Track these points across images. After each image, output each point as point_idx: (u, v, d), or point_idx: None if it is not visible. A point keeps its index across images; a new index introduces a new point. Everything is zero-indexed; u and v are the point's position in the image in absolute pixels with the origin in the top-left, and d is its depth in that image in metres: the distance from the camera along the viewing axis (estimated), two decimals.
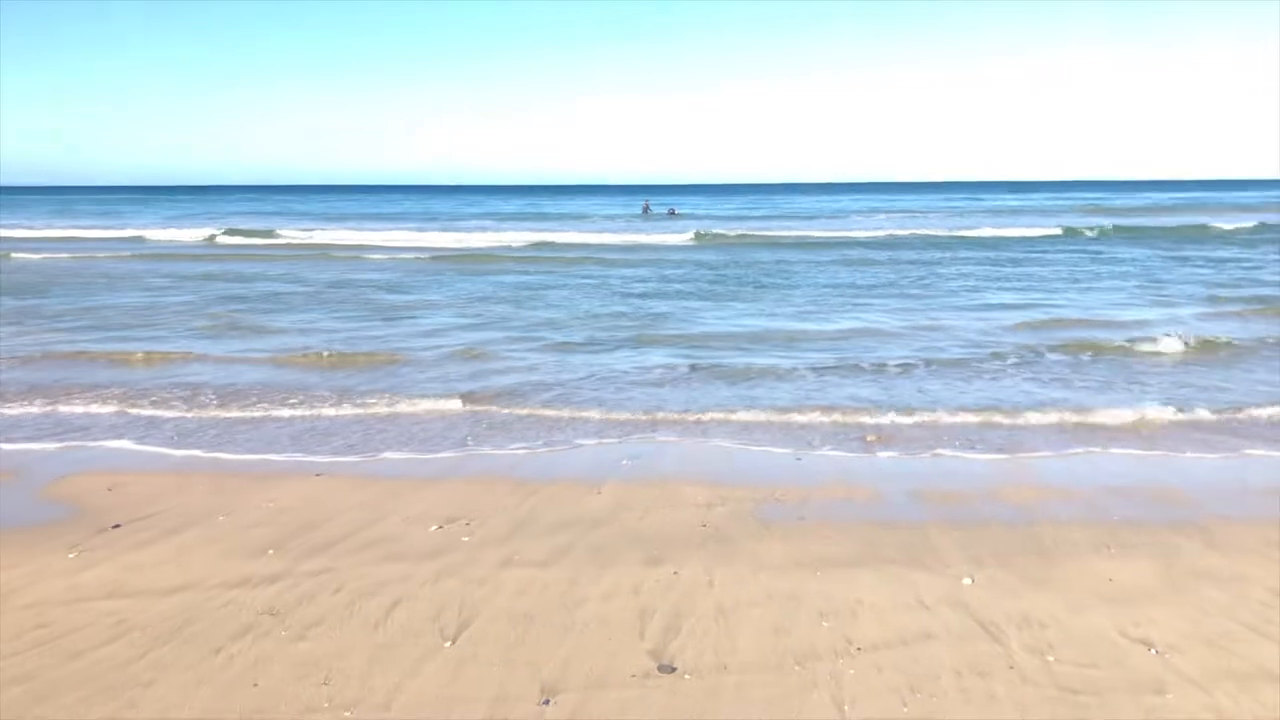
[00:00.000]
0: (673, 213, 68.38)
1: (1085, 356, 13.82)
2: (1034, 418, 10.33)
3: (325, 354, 13.81)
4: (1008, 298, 21.10)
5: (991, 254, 32.89)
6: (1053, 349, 14.34)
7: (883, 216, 61.36)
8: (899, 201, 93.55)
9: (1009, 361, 13.56)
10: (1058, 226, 44.53)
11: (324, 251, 36.71)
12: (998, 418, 10.36)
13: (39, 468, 8.72)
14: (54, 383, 12.44)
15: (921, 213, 66.76)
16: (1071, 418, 10.32)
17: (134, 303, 21.06)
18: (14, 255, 34.51)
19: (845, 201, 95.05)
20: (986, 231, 43.30)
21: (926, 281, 24.51)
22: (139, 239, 43.55)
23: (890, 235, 42.51)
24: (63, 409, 11.04)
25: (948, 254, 33.14)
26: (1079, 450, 9.16)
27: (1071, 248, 35.44)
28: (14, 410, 11.00)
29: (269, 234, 45.64)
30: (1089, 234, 41.44)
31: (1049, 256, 31.86)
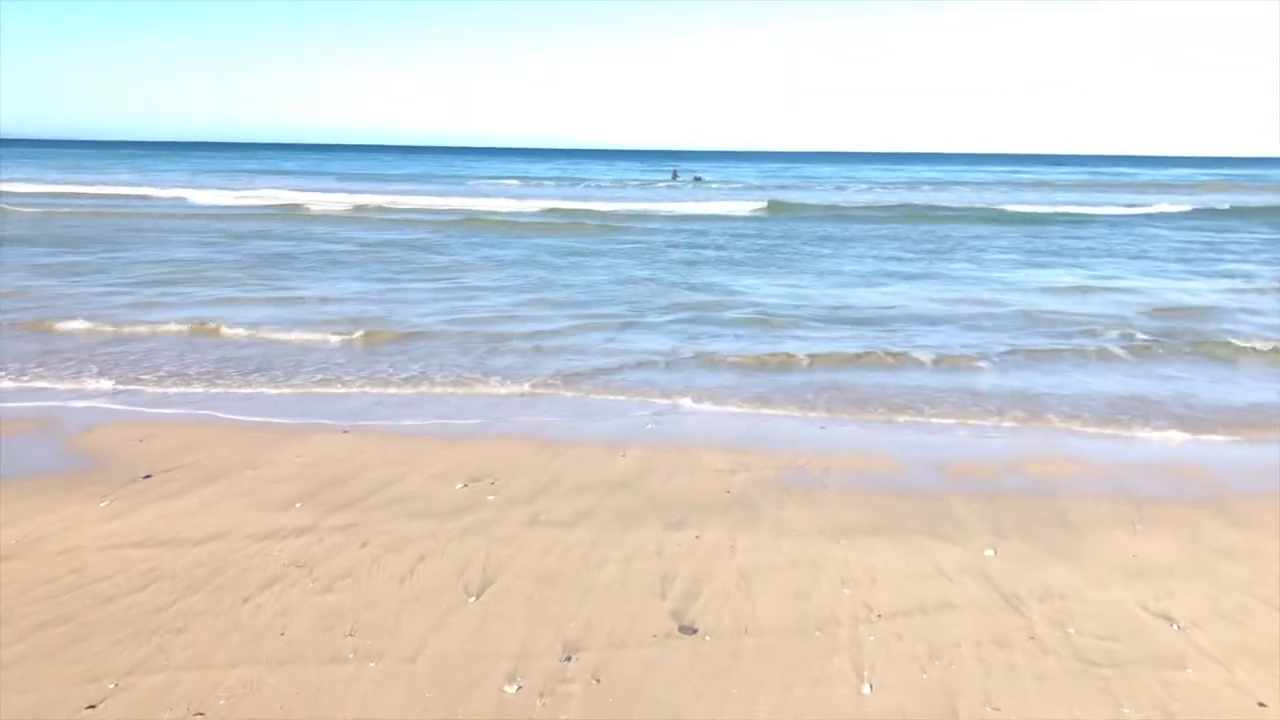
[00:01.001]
0: (698, 179, 68.21)
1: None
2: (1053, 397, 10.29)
3: (359, 334, 13.70)
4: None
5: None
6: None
7: (967, 189, 59.71)
8: (925, 172, 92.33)
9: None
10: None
11: (363, 213, 36.44)
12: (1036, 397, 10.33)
13: (72, 419, 8.83)
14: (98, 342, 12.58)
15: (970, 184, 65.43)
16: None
17: (187, 257, 21.22)
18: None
19: (871, 171, 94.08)
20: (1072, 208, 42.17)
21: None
22: (182, 199, 42.92)
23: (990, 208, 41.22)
24: (103, 361, 11.17)
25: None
26: (1107, 429, 9.11)
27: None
28: (43, 361, 11.15)
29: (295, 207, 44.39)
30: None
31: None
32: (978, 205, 42.12)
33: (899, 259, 23.51)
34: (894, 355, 11.96)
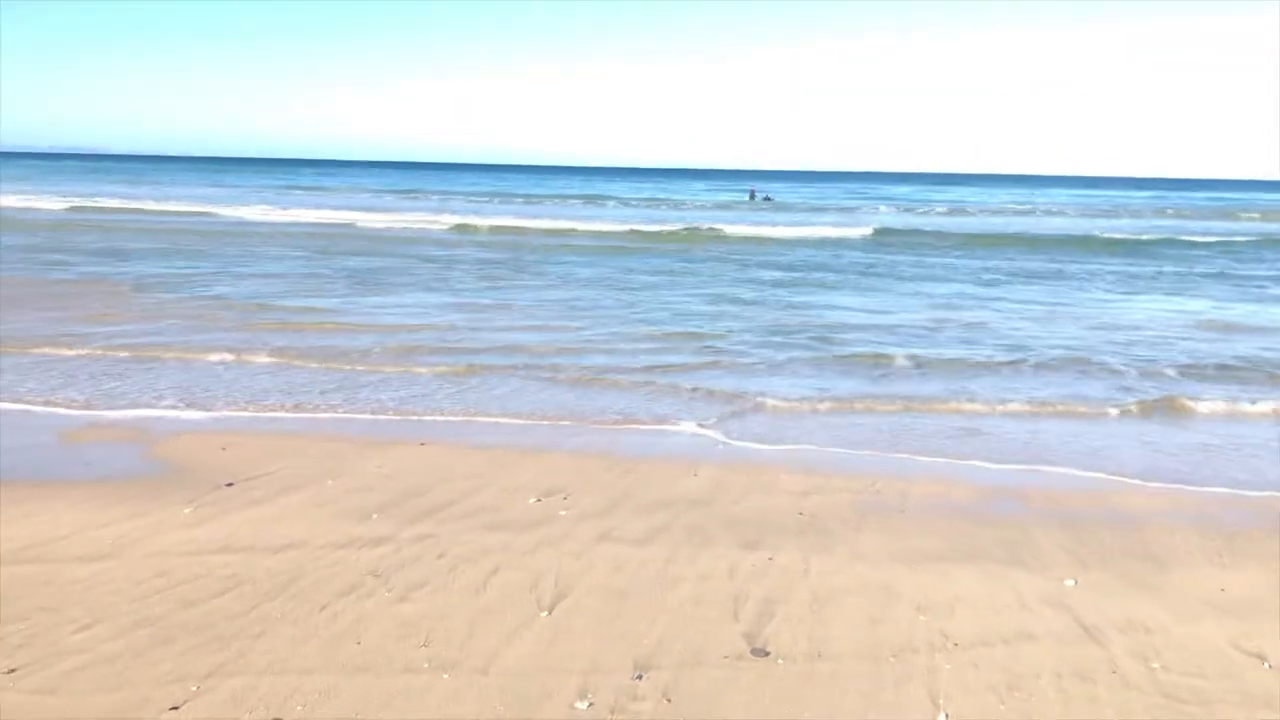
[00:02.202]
0: (768, 199, 68.16)
1: None
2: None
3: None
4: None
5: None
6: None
7: (1049, 214, 57.96)
8: (974, 194, 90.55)
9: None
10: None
11: (463, 232, 36.18)
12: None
13: (157, 427, 9.08)
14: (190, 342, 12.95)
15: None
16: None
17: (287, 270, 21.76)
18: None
19: (959, 191, 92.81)
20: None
21: None
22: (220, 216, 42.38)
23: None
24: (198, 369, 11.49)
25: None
26: (1192, 454, 8.86)
27: None
28: (138, 370, 11.49)
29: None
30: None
31: None
32: (1077, 232, 40.43)
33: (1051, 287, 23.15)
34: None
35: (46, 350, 12.37)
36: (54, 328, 13.91)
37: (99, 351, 12.36)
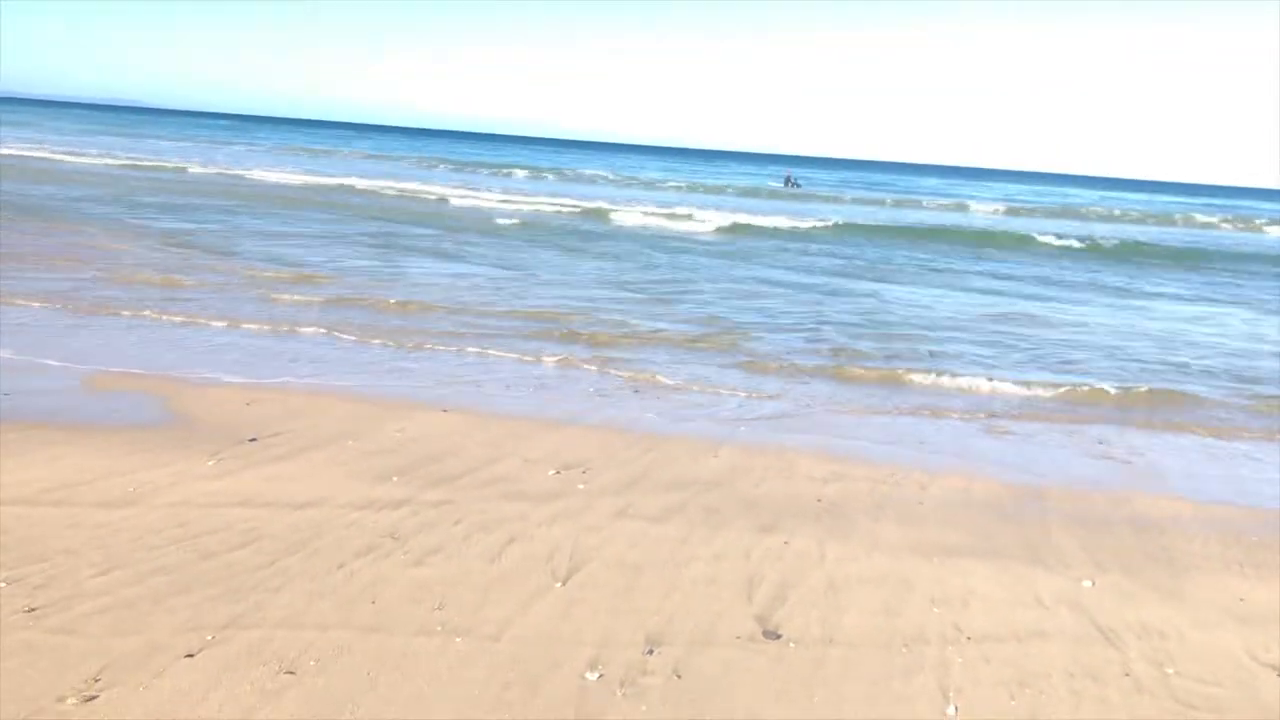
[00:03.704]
0: (797, 185, 67.68)
1: None
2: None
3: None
4: None
5: None
6: None
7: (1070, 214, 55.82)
8: (975, 188, 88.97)
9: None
10: None
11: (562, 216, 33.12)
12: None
13: (185, 380, 9.14)
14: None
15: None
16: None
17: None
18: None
19: (945, 185, 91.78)
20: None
21: None
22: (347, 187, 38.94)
23: None
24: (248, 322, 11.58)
25: None
26: (1219, 465, 8.77)
27: None
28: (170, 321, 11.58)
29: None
30: None
31: None
32: (1133, 239, 37.69)
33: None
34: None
35: (86, 311, 12.48)
36: (93, 289, 14.03)
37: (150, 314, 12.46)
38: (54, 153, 44.21)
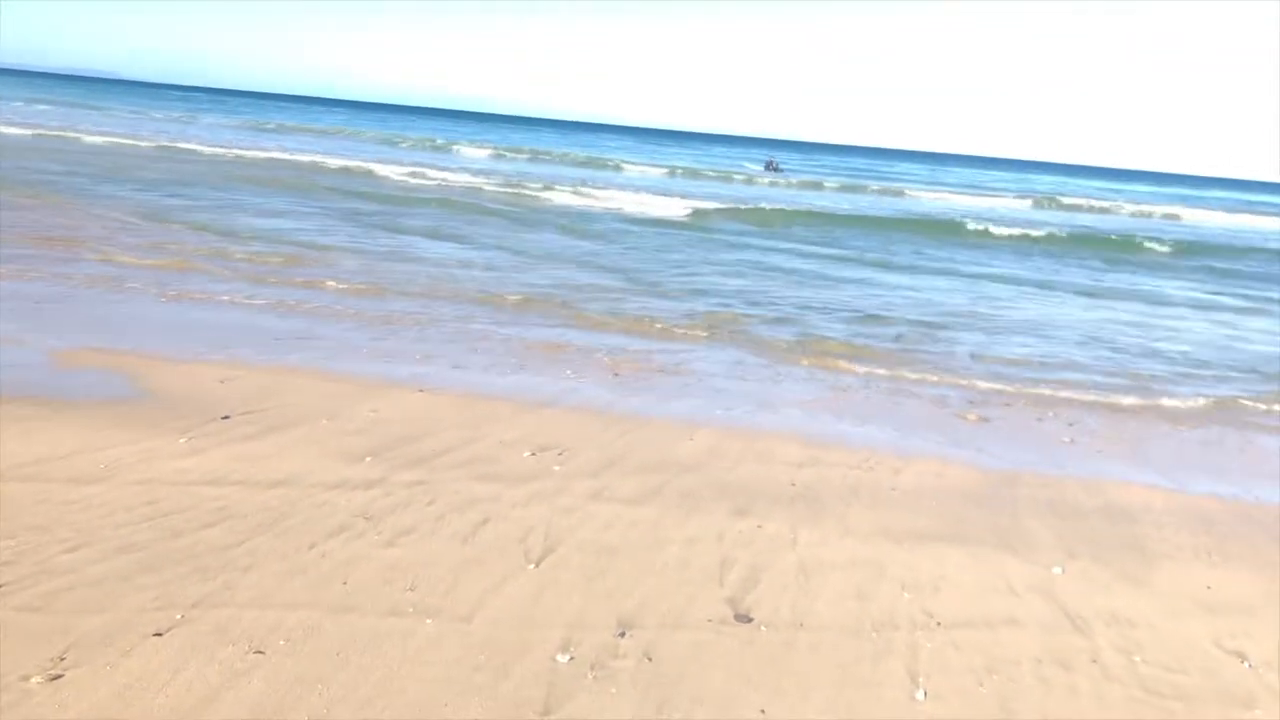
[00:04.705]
0: (778, 169, 67.63)
1: None
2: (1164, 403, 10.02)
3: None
4: None
5: None
6: None
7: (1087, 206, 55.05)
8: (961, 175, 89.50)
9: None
10: None
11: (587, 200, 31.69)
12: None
13: (159, 356, 9.05)
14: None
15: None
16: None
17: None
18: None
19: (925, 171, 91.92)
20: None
21: None
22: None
23: None
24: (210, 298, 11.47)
25: None
26: (1191, 454, 8.85)
27: None
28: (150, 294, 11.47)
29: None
30: None
31: None
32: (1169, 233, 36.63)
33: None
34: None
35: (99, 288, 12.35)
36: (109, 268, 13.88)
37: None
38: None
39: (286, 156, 38.51)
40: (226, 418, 7.35)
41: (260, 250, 15.60)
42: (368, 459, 6.73)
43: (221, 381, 8.29)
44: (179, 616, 4.47)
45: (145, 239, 15.80)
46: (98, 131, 42.71)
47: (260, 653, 4.24)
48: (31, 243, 14.43)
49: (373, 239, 18.49)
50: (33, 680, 3.91)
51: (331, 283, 13.40)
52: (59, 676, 3.96)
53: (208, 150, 38.31)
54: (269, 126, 67.64)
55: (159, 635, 4.30)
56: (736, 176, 56.78)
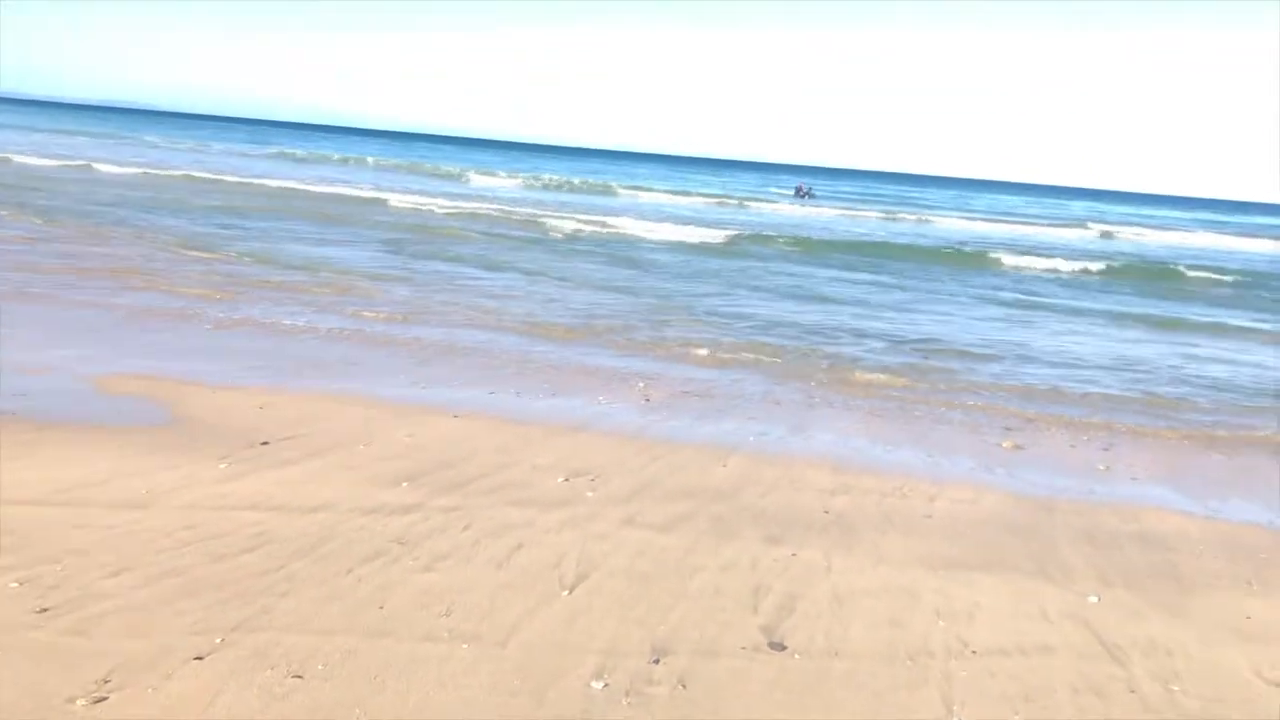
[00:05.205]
0: (811, 195, 67.68)
1: None
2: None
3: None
4: None
5: None
6: None
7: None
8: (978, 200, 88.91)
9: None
10: None
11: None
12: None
13: (199, 382, 9.19)
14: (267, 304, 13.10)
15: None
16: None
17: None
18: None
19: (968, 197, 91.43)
20: None
21: None
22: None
23: None
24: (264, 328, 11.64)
25: None
26: (1228, 482, 8.76)
27: None
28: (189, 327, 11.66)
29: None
30: None
31: None
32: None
33: None
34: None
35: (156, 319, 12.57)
36: (167, 301, 14.13)
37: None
38: None
39: (327, 190, 38.82)
40: (265, 443, 7.45)
41: (303, 279, 15.81)
42: (404, 484, 6.79)
43: (261, 407, 8.41)
44: (219, 640, 4.53)
45: (191, 269, 16.06)
46: (128, 162, 43.47)
47: (299, 677, 4.30)
48: (77, 274, 14.71)
49: (412, 266, 18.69)
50: (78, 703, 3.98)
51: (369, 312, 13.56)
52: (103, 699, 4.02)
53: (232, 179, 38.86)
54: (299, 156, 68.49)
55: (200, 659, 4.37)
56: (766, 202, 56.88)
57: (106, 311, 12.04)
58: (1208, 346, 16.82)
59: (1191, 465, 9.19)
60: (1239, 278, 30.57)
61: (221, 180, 37.78)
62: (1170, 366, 14.39)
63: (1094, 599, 5.85)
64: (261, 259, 17.68)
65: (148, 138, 75.50)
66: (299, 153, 71.52)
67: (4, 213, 21.05)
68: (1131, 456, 9.27)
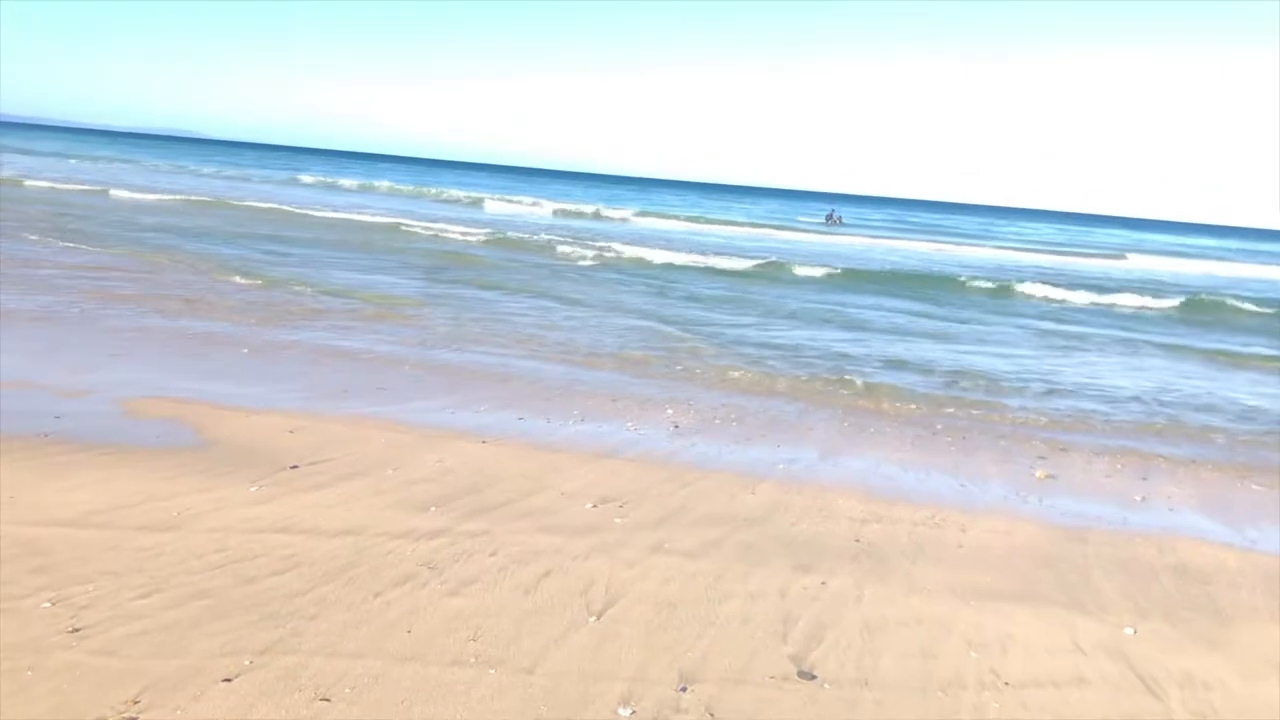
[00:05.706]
0: (840, 220, 67.66)
1: None
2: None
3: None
4: None
5: None
6: None
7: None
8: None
9: None
10: None
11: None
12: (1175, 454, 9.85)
13: (229, 405, 9.27)
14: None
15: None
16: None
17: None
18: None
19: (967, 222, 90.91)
20: None
21: None
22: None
23: None
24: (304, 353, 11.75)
25: None
26: (1268, 513, 8.61)
27: None
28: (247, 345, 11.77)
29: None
30: None
31: None
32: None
33: None
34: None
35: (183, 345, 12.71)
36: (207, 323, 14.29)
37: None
38: None
39: (362, 219, 39.01)
40: (295, 467, 7.49)
41: (341, 304, 15.96)
42: (432, 509, 6.81)
43: (291, 431, 8.46)
44: (248, 663, 4.54)
45: (231, 296, 16.24)
46: (156, 189, 44.13)
47: (326, 700, 4.30)
48: (114, 300, 14.91)
49: (447, 292, 18.79)
50: None
51: (399, 338, 13.64)
52: None
53: (263, 205, 39.33)
54: (344, 185, 69.07)
55: (228, 681, 4.38)
56: (799, 231, 56.88)
57: (140, 334, 12.18)
58: (1246, 376, 16.62)
59: (1229, 496, 9.05)
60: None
61: (254, 206, 38.23)
62: (1207, 396, 14.21)
63: (1130, 631, 5.75)
64: (304, 284, 17.84)
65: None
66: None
67: (96, 248, 21.39)
68: (1168, 487, 9.15)
